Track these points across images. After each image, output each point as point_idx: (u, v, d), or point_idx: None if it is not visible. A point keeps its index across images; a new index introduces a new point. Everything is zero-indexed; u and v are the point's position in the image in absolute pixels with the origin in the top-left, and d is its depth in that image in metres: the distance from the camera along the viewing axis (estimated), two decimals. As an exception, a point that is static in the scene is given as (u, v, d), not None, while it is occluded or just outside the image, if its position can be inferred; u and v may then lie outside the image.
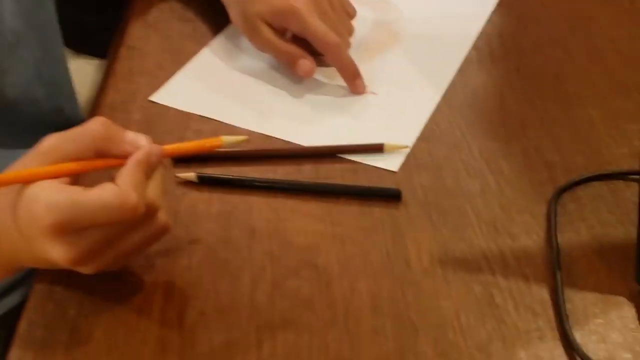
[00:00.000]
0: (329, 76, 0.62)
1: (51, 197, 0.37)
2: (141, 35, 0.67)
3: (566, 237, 0.47)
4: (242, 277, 0.45)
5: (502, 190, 0.51)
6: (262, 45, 0.62)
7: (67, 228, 0.37)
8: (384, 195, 0.51)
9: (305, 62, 0.60)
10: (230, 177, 0.52)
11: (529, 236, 0.47)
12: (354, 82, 0.60)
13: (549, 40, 0.65)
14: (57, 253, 0.38)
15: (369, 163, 0.54)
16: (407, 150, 0.54)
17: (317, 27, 0.59)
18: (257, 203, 0.51)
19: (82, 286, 0.43)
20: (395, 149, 0.54)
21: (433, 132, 0.56)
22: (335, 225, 0.49)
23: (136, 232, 0.40)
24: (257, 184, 0.52)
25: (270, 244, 0.47)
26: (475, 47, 0.65)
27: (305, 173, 0.53)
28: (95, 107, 0.60)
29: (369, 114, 0.59)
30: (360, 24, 0.67)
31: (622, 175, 0.50)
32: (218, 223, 0.49)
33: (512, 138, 0.55)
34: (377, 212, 0.50)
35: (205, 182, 0.52)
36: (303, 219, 0.49)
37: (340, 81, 0.61)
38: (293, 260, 0.46)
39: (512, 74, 0.61)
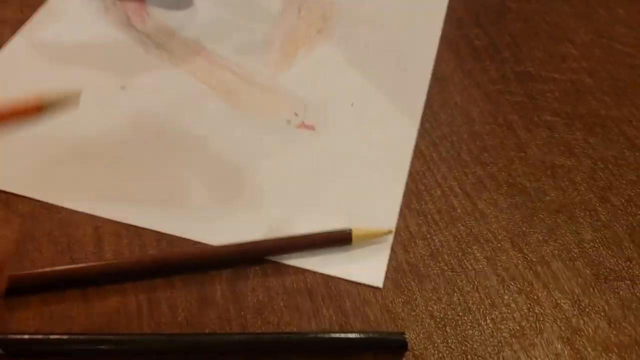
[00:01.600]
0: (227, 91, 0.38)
1: None
2: None
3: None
4: None
5: (562, 309, 0.30)
6: None
7: None
8: (370, 348, 0.27)
9: None
10: (69, 337, 0.26)
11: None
12: None
13: (546, 27, 0.44)
14: None
15: (326, 272, 0.30)
16: (390, 237, 0.32)
17: None
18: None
19: None
20: (372, 237, 0.31)
21: (421, 199, 0.34)
22: None
23: None
24: (120, 346, 0.27)
25: None
26: (445, 36, 0.43)
27: (217, 308, 0.29)
28: None
29: (307, 169, 0.35)
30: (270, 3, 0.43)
31: None
32: None
33: (546, 204, 0.34)
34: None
35: (21, 355, 0.26)
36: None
37: (261, 107, 0.37)
38: None
39: (513, 86, 0.40)
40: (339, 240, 0.30)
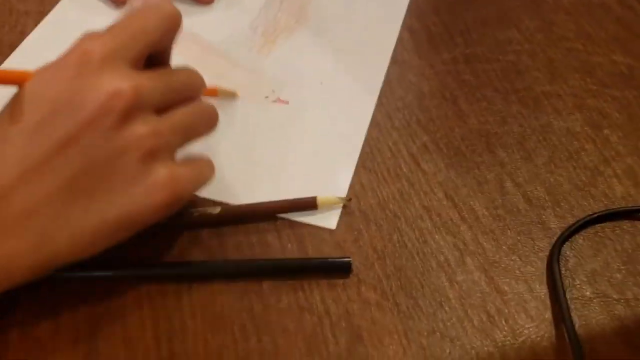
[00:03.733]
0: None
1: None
2: None
3: (580, 314, 0.34)
4: None
5: (482, 246, 0.37)
6: None
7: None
8: (322, 269, 0.35)
9: None
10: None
11: (535, 322, 0.34)
12: None
13: (497, 15, 0.51)
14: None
15: (292, 218, 0.37)
16: (345, 192, 0.39)
17: None
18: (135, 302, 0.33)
19: None
20: (334, 203, 0.38)
21: (374, 160, 0.41)
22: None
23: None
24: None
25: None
26: (406, 24, 0.49)
27: (203, 246, 0.36)
28: None
29: (278, 136, 0.42)
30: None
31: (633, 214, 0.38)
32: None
33: (478, 164, 0.41)
34: (317, 300, 0.34)
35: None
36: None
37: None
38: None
39: (461, 67, 0.46)
40: (306, 206, 0.37)
